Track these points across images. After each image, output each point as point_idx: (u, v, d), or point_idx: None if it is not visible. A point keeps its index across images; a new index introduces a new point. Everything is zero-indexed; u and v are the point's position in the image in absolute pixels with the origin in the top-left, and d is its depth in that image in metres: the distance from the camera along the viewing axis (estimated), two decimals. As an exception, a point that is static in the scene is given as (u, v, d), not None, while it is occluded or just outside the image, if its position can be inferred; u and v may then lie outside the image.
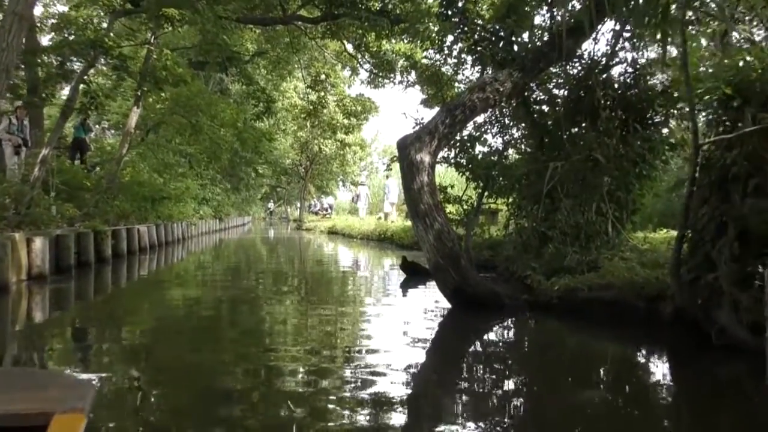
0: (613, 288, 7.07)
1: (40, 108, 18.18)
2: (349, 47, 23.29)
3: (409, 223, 24.40)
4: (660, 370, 5.68)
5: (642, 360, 5.97)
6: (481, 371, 5.41)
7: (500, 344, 6.59)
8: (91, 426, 2.52)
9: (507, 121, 13.02)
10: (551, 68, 9.86)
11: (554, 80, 10.37)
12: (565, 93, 9.99)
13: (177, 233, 23.28)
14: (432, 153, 7.64)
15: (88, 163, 20.40)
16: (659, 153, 9.11)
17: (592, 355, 6.26)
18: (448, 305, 8.03)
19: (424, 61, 16.29)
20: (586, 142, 8.93)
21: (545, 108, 10.42)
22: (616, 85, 9.27)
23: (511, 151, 13.06)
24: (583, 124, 9.11)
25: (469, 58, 10.80)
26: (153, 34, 14.22)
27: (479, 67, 10.49)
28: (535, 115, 9.99)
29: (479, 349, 6.35)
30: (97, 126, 24.45)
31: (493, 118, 12.94)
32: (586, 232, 8.62)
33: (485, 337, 6.92)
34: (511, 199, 12.00)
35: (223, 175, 35.21)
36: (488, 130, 13.00)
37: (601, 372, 5.50)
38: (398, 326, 7.04)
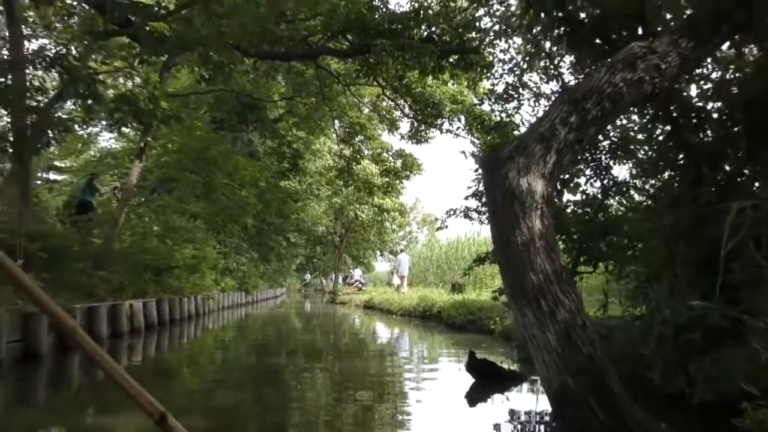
0: None
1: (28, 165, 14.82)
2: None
3: (459, 297, 20.78)
4: None
5: None
6: None
7: None
8: None
9: (606, 160, 9.57)
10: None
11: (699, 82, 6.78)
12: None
13: (188, 309, 19.88)
14: (548, 176, 4.10)
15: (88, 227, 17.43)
16: None
17: None
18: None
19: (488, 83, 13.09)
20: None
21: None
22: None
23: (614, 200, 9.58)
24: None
25: (567, 60, 7.31)
26: (139, 60, 11.27)
27: (583, 62, 6.95)
28: (684, 132, 6.33)
29: None
30: (107, 188, 21.48)
31: (588, 155, 9.46)
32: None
33: None
34: (620, 266, 8.43)
35: (249, 243, 32.05)
36: (581, 172, 9.52)
37: None
38: None
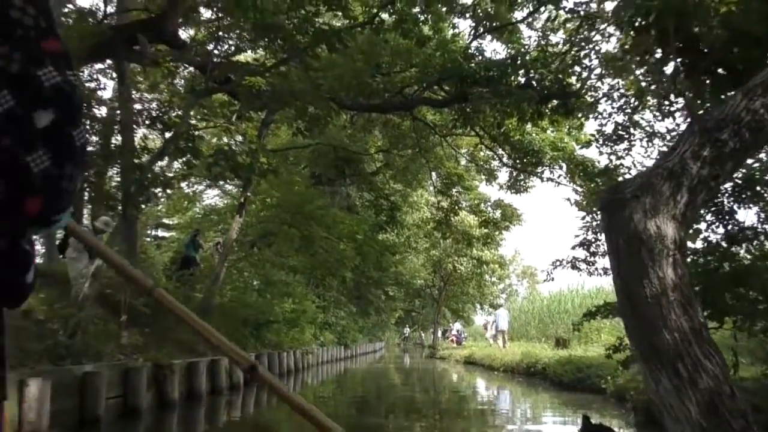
0: None
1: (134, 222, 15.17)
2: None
3: (564, 352, 19.58)
4: None
5: None
6: None
7: None
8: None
9: (729, 203, 8.72)
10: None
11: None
12: None
13: (287, 364, 19.71)
14: (680, 218, 3.55)
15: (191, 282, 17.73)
16: None
17: None
18: None
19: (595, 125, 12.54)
20: None
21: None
22: None
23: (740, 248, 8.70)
24: None
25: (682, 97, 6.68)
26: (238, 115, 11.44)
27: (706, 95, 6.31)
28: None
29: None
30: (210, 243, 21.99)
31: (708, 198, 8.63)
32: None
33: None
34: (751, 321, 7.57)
35: (348, 297, 31.97)
36: (701, 218, 8.70)
37: None
38: None
